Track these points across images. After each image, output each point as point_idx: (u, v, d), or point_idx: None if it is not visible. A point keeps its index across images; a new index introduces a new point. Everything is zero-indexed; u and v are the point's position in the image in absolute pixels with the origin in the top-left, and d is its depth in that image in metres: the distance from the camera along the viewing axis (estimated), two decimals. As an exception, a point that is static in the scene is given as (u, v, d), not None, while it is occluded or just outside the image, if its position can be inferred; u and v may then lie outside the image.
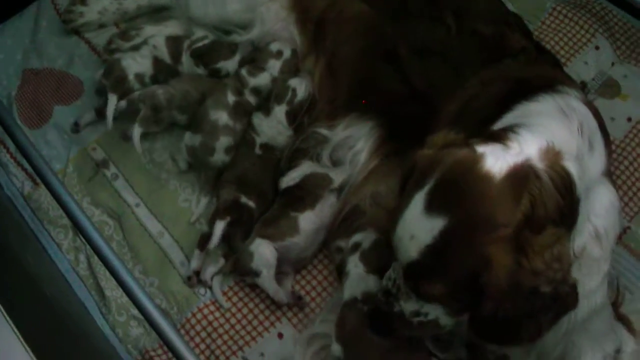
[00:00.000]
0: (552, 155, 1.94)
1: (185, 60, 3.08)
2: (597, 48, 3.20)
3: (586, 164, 2.06)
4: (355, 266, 2.52)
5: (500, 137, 1.98)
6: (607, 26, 3.23)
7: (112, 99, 2.96)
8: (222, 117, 2.88)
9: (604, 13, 3.26)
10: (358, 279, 2.49)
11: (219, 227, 2.70)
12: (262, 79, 2.95)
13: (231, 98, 2.92)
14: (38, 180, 2.91)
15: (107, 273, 2.48)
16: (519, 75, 2.42)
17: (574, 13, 3.26)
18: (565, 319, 2.06)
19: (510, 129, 2.03)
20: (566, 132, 2.07)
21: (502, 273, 1.79)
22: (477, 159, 1.87)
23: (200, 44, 3.07)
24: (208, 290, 2.74)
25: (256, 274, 2.63)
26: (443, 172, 1.87)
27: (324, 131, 2.84)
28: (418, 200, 1.87)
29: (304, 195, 2.74)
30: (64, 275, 2.81)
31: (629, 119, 3.03)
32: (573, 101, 2.21)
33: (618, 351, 2.29)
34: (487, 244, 1.80)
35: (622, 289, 2.51)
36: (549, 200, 1.87)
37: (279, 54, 2.98)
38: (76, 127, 3.10)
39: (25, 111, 3.19)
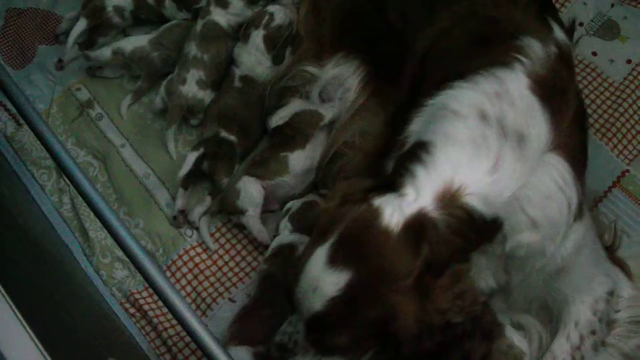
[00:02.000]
0: (449, 197, 1.91)
1: (169, 4, 3.02)
2: (596, -12, 3.12)
3: (511, 165, 1.97)
4: (285, 227, 2.60)
5: (395, 185, 1.95)
6: (607, -35, 3.15)
7: (81, 22, 2.96)
8: (191, 49, 2.85)
9: (604, -47, 3.17)
10: (285, 235, 2.59)
11: (191, 157, 2.67)
12: None
13: (199, 23, 2.88)
14: (21, 121, 2.85)
15: (92, 214, 2.45)
16: (489, 14, 2.31)
17: (574, -48, 3.17)
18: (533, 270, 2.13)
19: (406, 170, 1.97)
20: (476, 151, 1.97)
21: (409, 319, 1.84)
22: (374, 215, 1.89)
23: (181, -16, 3.01)
24: (195, 232, 2.70)
25: (242, 212, 2.60)
26: (344, 229, 1.90)
27: (312, 69, 2.78)
28: (321, 255, 1.88)
29: (295, 134, 2.70)
30: (47, 217, 2.76)
31: (629, 61, 2.97)
32: (512, 83, 2.06)
33: (611, 293, 2.27)
34: (390, 295, 1.83)
35: (620, 232, 2.47)
36: (446, 245, 1.89)
37: None
38: (60, 64, 3.04)
39: (9, 51, 3.11)
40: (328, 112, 2.71)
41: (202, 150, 2.69)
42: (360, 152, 2.54)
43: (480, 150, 1.96)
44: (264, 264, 2.54)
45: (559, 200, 2.06)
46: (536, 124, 2.03)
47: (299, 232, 2.57)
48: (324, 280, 1.85)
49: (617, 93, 2.89)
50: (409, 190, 1.92)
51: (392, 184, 1.96)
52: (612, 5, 3.09)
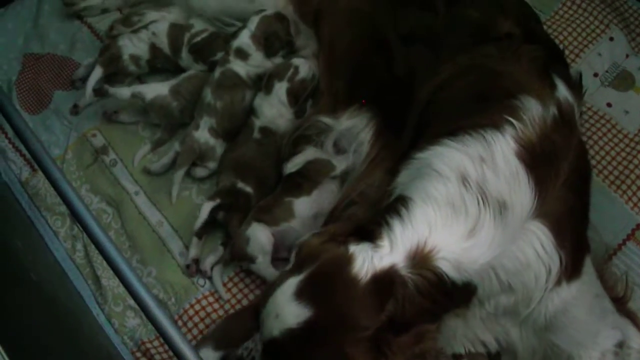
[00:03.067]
0: (421, 258, 1.92)
1: (185, 56, 3.04)
2: (611, 39, 3.12)
3: (490, 232, 1.96)
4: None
5: (373, 235, 1.97)
6: (622, 17, 3.15)
7: (97, 71, 2.98)
8: (207, 95, 2.86)
9: (619, 4, 3.17)
10: None
11: (206, 207, 2.66)
12: (243, 37, 2.90)
13: (217, 71, 2.89)
14: (36, 167, 2.86)
15: (104, 262, 2.40)
16: (492, 68, 2.32)
17: (588, 3, 3.18)
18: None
19: (385, 222, 1.99)
20: (453, 215, 1.97)
21: None
22: (348, 260, 1.91)
23: (198, 38, 3.02)
24: (207, 281, 2.68)
25: (252, 259, 2.59)
26: (317, 267, 1.93)
27: (327, 119, 2.79)
28: (291, 285, 1.91)
29: (303, 181, 2.70)
30: (60, 264, 2.76)
31: (644, 112, 2.96)
32: (499, 147, 2.04)
33: (620, 345, 2.23)
34: (346, 344, 1.86)
35: (632, 284, 2.46)
36: (414, 304, 1.91)
37: (260, 11, 2.94)
38: (75, 109, 3.06)
39: (25, 96, 3.14)
40: (340, 164, 2.71)
41: (218, 201, 2.68)
42: (365, 203, 2.54)
43: (459, 214, 1.96)
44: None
45: (537, 268, 2.06)
46: (520, 191, 2.01)
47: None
48: (287, 309, 1.88)
49: (632, 145, 2.86)
50: (385, 243, 1.94)
51: (370, 233, 1.97)
52: (627, 56, 3.09)
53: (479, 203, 1.96)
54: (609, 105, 2.97)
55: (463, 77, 2.34)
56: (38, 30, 3.30)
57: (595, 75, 3.03)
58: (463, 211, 1.95)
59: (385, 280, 1.89)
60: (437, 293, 1.93)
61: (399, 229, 1.95)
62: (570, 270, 2.10)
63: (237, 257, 2.65)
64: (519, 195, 2.00)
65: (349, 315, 1.87)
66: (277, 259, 2.64)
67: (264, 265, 2.59)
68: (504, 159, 2.03)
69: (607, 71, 3.06)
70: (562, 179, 2.09)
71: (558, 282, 2.10)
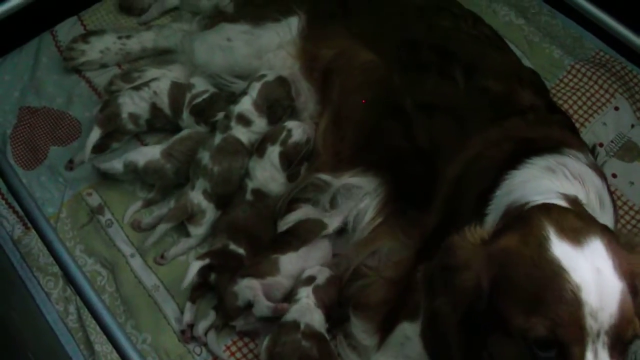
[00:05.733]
0: None
1: (186, 117, 2.99)
2: (616, 109, 3.10)
3: None
4: (307, 297, 2.52)
5: None
6: (627, 86, 3.14)
7: (95, 132, 2.91)
8: (204, 158, 2.81)
9: (624, 73, 3.16)
10: (306, 308, 2.50)
11: (194, 267, 2.58)
12: (244, 103, 2.86)
13: (218, 137, 2.84)
14: (29, 224, 2.77)
15: (98, 326, 2.36)
16: (524, 136, 2.32)
17: (593, 72, 3.17)
18: None
19: None
20: None
21: None
22: None
23: (200, 99, 2.98)
24: (204, 350, 2.61)
25: (246, 307, 2.53)
26: None
27: (326, 177, 2.75)
28: None
29: (292, 239, 2.65)
30: (51, 327, 2.66)
31: (649, 183, 2.92)
32: (575, 163, 2.14)
33: None
34: None
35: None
36: None
37: (261, 77, 2.90)
38: (70, 164, 3.00)
39: (20, 151, 3.07)
40: (332, 223, 2.67)
41: (207, 260, 2.62)
42: (380, 279, 2.48)
43: None
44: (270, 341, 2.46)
45: None
46: (608, 206, 2.13)
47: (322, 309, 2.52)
48: None
49: (638, 217, 2.84)
50: None
51: None
52: (632, 126, 3.07)
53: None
54: (614, 176, 2.93)
55: (495, 148, 2.30)
56: (35, 82, 3.24)
57: (600, 145, 3.00)
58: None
59: None
60: None
61: None
62: None
63: (231, 315, 2.58)
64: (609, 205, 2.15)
65: None
66: (263, 318, 2.56)
67: (260, 301, 2.51)
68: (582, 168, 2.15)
69: (612, 141, 3.04)
70: None
71: None
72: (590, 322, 1.62)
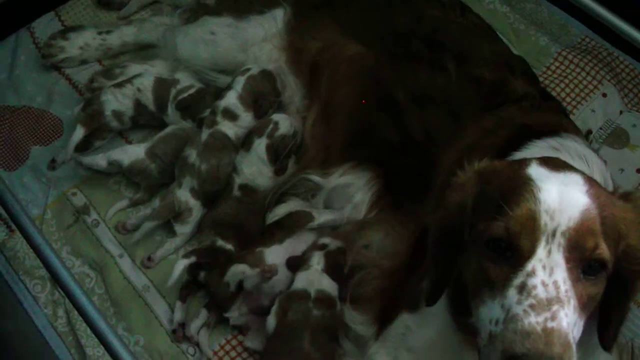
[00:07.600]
0: None
1: (171, 112, 2.95)
2: (604, 95, 3.10)
3: None
4: (317, 263, 2.54)
5: None
6: (614, 73, 3.13)
7: (78, 131, 2.86)
8: (191, 155, 2.78)
9: (611, 59, 3.15)
10: (315, 275, 2.52)
11: (179, 265, 2.55)
12: (230, 98, 2.84)
13: (205, 133, 2.81)
14: (13, 227, 2.73)
15: (88, 330, 2.35)
16: (521, 122, 2.32)
17: (580, 59, 3.16)
18: None
19: None
20: None
21: None
22: None
23: (186, 94, 2.94)
24: (197, 350, 2.58)
25: (238, 290, 2.52)
26: None
27: (316, 178, 2.73)
28: None
29: (277, 230, 2.65)
30: (40, 332, 2.63)
31: (639, 170, 2.92)
32: (577, 145, 2.16)
33: None
34: None
35: (638, 351, 2.41)
36: None
37: (246, 70, 2.88)
38: (52, 164, 2.95)
39: (1, 152, 3.01)
40: (320, 216, 2.66)
41: (193, 258, 2.59)
42: (378, 271, 2.46)
43: None
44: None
45: None
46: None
47: (330, 274, 2.53)
48: None
49: (629, 204, 2.82)
50: None
51: None
52: (621, 113, 3.06)
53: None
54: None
55: (493, 135, 2.30)
56: (13, 81, 3.18)
57: (590, 132, 2.99)
58: None
59: None
60: None
61: None
62: None
63: (226, 306, 2.55)
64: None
65: None
66: (255, 307, 2.56)
67: (251, 278, 2.50)
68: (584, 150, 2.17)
69: (601, 128, 3.03)
70: None
71: None
72: (545, 219, 1.64)
